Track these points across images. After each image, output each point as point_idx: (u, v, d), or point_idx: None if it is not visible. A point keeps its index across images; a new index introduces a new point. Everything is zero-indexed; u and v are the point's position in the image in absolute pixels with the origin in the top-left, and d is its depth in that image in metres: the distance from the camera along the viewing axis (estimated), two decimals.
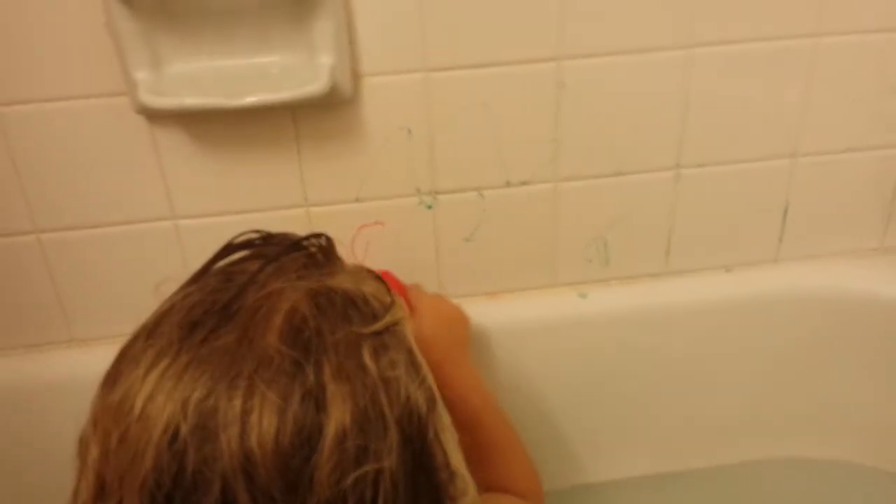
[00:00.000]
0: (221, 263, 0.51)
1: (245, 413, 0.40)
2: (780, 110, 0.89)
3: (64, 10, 0.75)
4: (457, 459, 0.50)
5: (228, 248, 0.51)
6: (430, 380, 0.49)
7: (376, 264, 0.90)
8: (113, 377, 0.44)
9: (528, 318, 0.95)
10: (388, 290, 0.52)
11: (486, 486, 0.76)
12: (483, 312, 0.90)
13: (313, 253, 0.52)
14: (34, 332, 0.89)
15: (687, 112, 0.87)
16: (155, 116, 0.80)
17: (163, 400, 0.41)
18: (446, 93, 0.82)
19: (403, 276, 0.85)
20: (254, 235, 0.53)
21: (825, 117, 0.90)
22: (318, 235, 0.54)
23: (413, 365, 0.48)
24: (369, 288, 0.50)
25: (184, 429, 0.40)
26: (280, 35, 0.77)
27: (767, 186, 0.94)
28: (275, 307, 0.45)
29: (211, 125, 0.82)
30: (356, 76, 0.80)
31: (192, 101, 0.74)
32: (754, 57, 0.85)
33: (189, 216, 0.86)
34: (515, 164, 0.88)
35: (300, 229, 0.86)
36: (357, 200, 0.88)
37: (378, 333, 0.46)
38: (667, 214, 0.94)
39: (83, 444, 0.44)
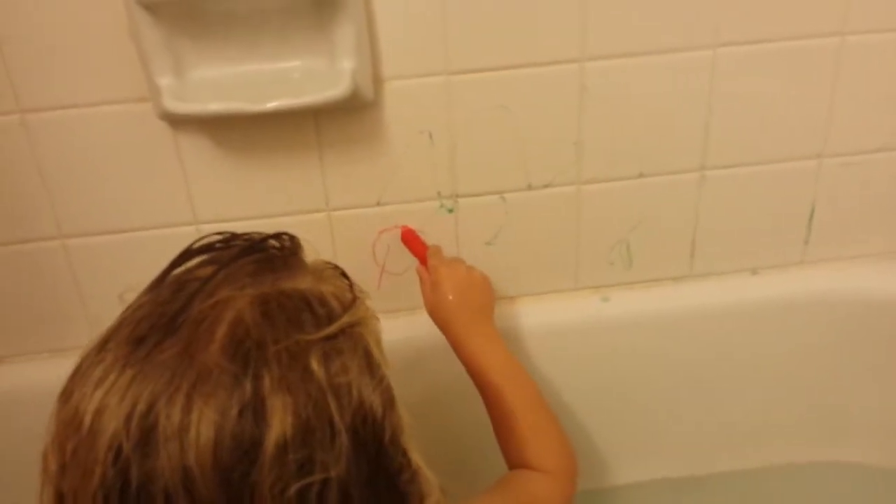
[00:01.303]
0: (179, 270, 0.50)
1: (183, 429, 0.40)
2: (805, 110, 0.88)
3: (88, 18, 0.75)
4: (418, 460, 0.48)
5: (187, 254, 0.50)
6: (389, 381, 0.48)
7: (398, 268, 0.91)
8: (67, 391, 0.44)
9: (550, 321, 0.94)
10: (352, 287, 0.51)
11: (511, 463, 0.74)
12: (504, 316, 0.89)
13: (272, 255, 0.51)
14: (58, 337, 0.90)
15: (711, 113, 0.86)
16: (178, 122, 0.80)
17: (108, 416, 0.41)
18: (467, 96, 0.82)
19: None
20: (215, 238, 0.51)
21: (852, 117, 0.88)
22: (280, 235, 0.53)
23: (369, 366, 0.46)
24: (330, 287, 0.49)
25: (126, 445, 0.41)
26: (302, 40, 0.77)
27: (793, 188, 0.92)
28: (219, 318, 0.44)
29: (233, 130, 0.82)
30: (377, 80, 0.80)
31: (214, 106, 0.75)
32: (779, 56, 0.84)
33: (212, 221, 0.87)
34: (537, 167, 0.87)
35: (322, 233, 0.88)
36: (378, 204, 0.87)
37: (331, 337, 0.45)
38: (691, 217, 0.93)
39: (44, 457, 0.44)
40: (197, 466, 0.40)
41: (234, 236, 0.52)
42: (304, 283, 0.48)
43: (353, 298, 0.49)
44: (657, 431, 1.02)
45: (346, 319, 0.47)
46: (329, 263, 0.53)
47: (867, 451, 1.04)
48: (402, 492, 0.47)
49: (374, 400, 0.45)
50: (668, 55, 0.83)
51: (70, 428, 0.43)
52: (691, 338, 0.96)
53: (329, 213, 0.88)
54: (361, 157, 0.84)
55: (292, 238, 0.53)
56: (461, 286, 0.82)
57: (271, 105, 0.74)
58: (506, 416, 0.74)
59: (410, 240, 0.89)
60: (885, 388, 1.00)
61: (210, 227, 0.85)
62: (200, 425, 0.40)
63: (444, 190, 0.87)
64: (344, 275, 0.52)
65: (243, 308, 0.45)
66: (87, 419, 0.42)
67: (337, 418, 0.43)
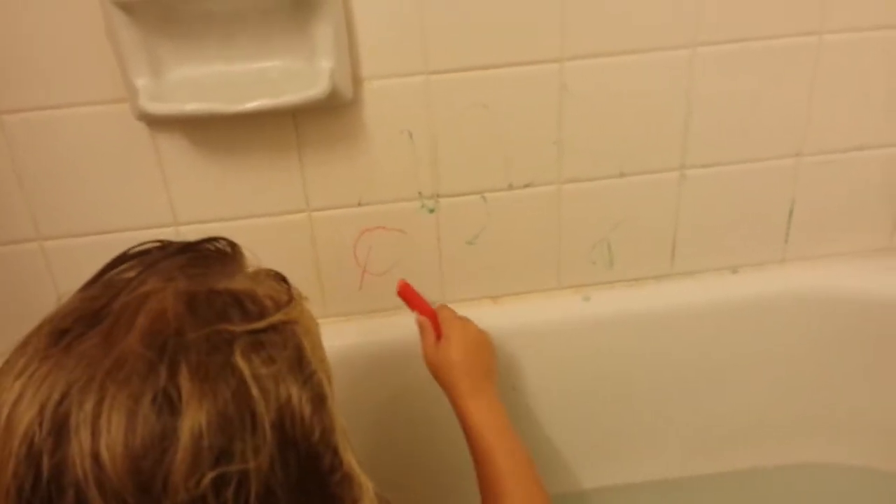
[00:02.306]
0: (112, 272, 0.50)
1: (95, 417, 0.40)
2: (784, 109, 0.88)
3: (64, 19, 0.75)
4: (350, 461, 0.48)
5: (123, 258, 0.50)
6: (320, 379, 0.47)
7: (379, 268, 0.91)
8: None
9: (531, 321, 0.94)
10: (290, 290, 0.51)
11: None
12: (486, 316, 0.89)
13: (206, 254, 0.51)
14: None
15: (690, 112, 0.87)
16: (156, 123, 0.80)
17: (24, 407, 0.41)
18: (447, 95, 0.82)
19: (407, 279, 0.85)
20: (152, 244, 0.51)
21: (831, 116, 0.89)
22: (217, 239, 0.52)
23: (299, 363, 0.46)
24: (265, 289, 0.49)
25: (39, 436, 0.40)
26: (280, 40, 0.77)
27: (773, 186, 0.93)
28: (141, 308, 0.44)
29: (212, 131, 0.81)
30: (357, 80, 0.80)
31: (192, 106, 0.74)
32: (758, 55, 0.84)
33: (191, 222, 0.86)
34: (518, 167, 0.87)
35: (303, 234, 0.88)
36: (359, 205, 0.87)
37: (257, 331, 0.45)
38: (671, 216, 0.93)
39: None
40: (107, 453, 0.39)
41: (171, 242, 0.51)
42: (237, 284, 0.48)
43: (289, 299, 0.49)
44: (640, 432, 1.02)
45: (278, 317, 0.46)
46: (270, 270, 0.52)
47: (850, 451, 1.05)
48: (332, 493, 0.47)
49: (303, 397, 0.45)
50: (647, 54, 0.83)
51: None
52: (673, 337, 0.96)
53: (310, 214, 0.87)
54: (341, 157, 0.84)
55: (232, 244, 0.53)
56: (473, 345, 0.81)
57: (250, 105, 0.74)
58: (499, 478, 0.73)
59: (408, 293, 0.85)
60: (866, 386, 1.00)
61: (190, 229, 0.86)
62: (112, 412, 0.40)
63: (425, 190, 0.87)
64: (284, 280, 0.52)
65: (167, 299, 0.44)
66: (5, 411, 0.42)
67: (260, 410, 0.42)
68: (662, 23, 0.82)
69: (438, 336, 0.82)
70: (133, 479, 0.40)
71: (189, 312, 0.44)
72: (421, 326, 0.84)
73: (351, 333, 0.91)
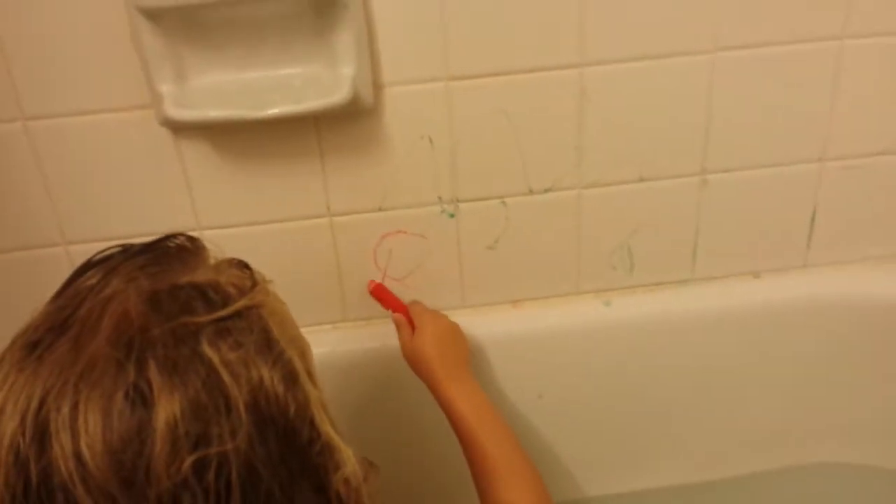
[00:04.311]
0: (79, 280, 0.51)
1: (73, 419, 0.42)
2: (806, 113, 0.88)
3: (90, 26, 0.76)
4: (328, 431, 0.49)
5: (87, 266, 0.51)
6: (290, 357, 0.48)
7: (399, 273, 0.91)
8: None
9: (551, 326, 0.94)
10: (253, 276, 0.52)
11: (488, 502, 0.75)
12: (506, 321, 0.89)
13: (166, 251, 0.52)
14: None
15: (711, 117, 0.86)
16: (180, 129, 0.81)
17: (6, 418, 0.43)
18: (468, 101, 0.82)
19: (426, 285, 0.86)
20: (115, 249, 0.52)
21: (853, 120, 0.88)
22: (176, 235, 0.54)
23: (267, 345, 0.47)
24: (227, 277, 0.50)
25: (23, 443, 0.42)
26: (302, 47, 0.78)
27: (795, 191, 0.92)
28: (105, 312, 0.45)
29: (235, 137, 0.82)
30: (378, 86, 0.81)
31: (215, 113, 0.75)
32: (779, 60, 0.84)
33: (214, 227, 0.87)
34: (538, 172, 0.87)
35: (324, 239, 0.88)
36: (380, 209, 0.88)
37: (222, 319, 0.46)
38: (693, 220, 0.93)
39: None
40: (88, 452, 0.41)
41: (132, 245, 0.52)
42: (199, 277, 0.49)
43: (252, 284, 0.50)
44: (661, 437, 1.02)
45: (242, 303, 0.48)
46: (233, 259, 0.53)
47: (872, 454, 1.04)
48: (314, 464, 0.48)
49: (274, 377, 0.46)
50: (667, 59, 0.83)
51: None
52: (694, 342, 0.96)
53: (331, 219, 0.88)
54: (362, 162, 0.85)
55: (191, 238, 0.54)
56: (444, 335, 0.85)
57: (272, 112, 0.75)
58: (485, 458, 0.75)
59: (381, 292, 0.90)
60: (889, 391, 0.99)
61: (213, 234, 0.87)
62: (88, 412, 0.41)
63: (445, 195, 0.88)
64: (247, 267, 0.53)
65: (130, 299, 0.46)
66: None
67: (234, 393, 0.44)
68: (683, 28, 0.81)
69: (413, 331, 0.85)
70: (116, 473, 0.41)
71: (152, 310, 0.45)
72: (397, 323, 0.87)
73: (371, 337, 0.92)
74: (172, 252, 0.52)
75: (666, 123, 0.86)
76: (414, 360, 0.83)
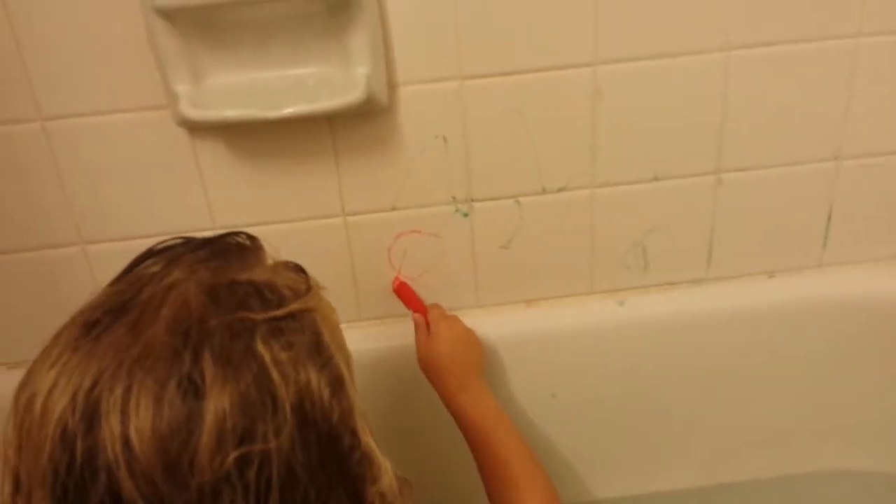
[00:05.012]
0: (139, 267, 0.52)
1: (124, 402, 0.42)
2: (822, 112, 0.87)
3: (106, 27, 0.76)
4: (369, 442, 0.49)
5: (149, 254, 0.52)
6: (338, 363, 0.49)
7: (413, 272, 0.91)
8: (25, 379, 0.46)
9: (565, 325, 0.94)
10: (308, 280, 0.52)
11: None
12: (520, 320, 0.89)
13: (228, 247, 0.53)
14: None
15: (726, 116, 0.86)
16: (195, 129, 0.81)
17: (58, 394, 0.43)
18: (481, 100, 0.83)
19: (440, 284, 0.85)
20: (176, 241, 0.53)
21: (869, 119, 0.88)
22: (238, 233, 0.55)
23: (317, 349, 0.48)
24: (283, 279, 0.51)
25: (72, 420, 0.42)
26: (316, 47, 0.78)
27: (810, 190, 0.92)
28: (166, 300, 0.46)
29: (250, 136, 0.83)
30: (392, 85, 0.81)
31: (231, 113, 0.76)
32: (795, 58, 0.84)
33: (230, 226, 0.85)
34: (552, 171, 0.87)
35: (338, 238, 0.88)
36: (394, 209, 0.88)
37: (276, 319, 0.47)
38: (707, 220, 0.92)
39: (3, 443, 0.46)
40: (136, 436, 0.41)
41: (193, 238, 0.53)
42: (257, 275, 0.50)
43: (307, 289, 0.51)
44: (675, 438, 1.02)
45: (297, 305, 0.48)
46: (289, 262, 0.54)
47: (885, 460, 1.03)
48: (353, 473, 0.48)
49: (321, 380, 0.47)
50: (681, 58, 0.82)
51: (26, 412, 0.44)
52: (708, 341, 0.95)
53: (345, 218, 0.88)
54: (377, 162, 0.85)
55: (251, 237, 0.55)
56: (459, 341, 0.85)
57: (287, 111, 0.75)
58: (499, 465, 0.75)
59: (404, 291, 0.90)
60: None
61: None
62: (140, 397, 0.42)
63: (459, 194, 0.88)
64: (303, 271, 0.54)
65: (190, 290, 0.46)
66: (40, 400, 0.44)
67: (281, 393, 0.44)
68: (697, 26, 0.81)
69: (430, 334, 0.85)
70: (161, 460, 0.41)
71: (211, 302, 0.46)
72: (416, 323, 0.87)
73: (385, 336, 0.92)
74: (232, 249, 0.53)
75: (680, 122, 0.86)
76: (426, 366, 0.84)
